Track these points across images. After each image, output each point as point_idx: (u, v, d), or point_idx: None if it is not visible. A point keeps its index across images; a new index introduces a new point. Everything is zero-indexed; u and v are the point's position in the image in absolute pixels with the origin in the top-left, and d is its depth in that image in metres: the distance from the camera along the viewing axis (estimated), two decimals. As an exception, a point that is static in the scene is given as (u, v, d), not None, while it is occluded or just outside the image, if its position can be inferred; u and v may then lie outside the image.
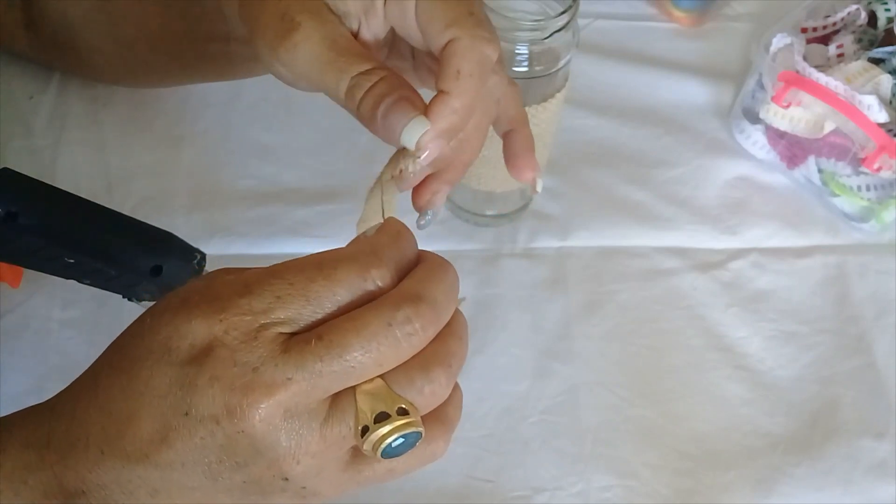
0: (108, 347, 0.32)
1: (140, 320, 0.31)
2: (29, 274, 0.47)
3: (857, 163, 0.57)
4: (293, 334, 0.29)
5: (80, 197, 0.45)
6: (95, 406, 0.30)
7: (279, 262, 0.56)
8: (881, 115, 0.55)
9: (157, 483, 0.30)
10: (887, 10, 0.62)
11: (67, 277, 0.46)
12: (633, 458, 0.51)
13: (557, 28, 0.46)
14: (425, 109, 0.35)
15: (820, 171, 0.60)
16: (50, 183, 0.44)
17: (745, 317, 0.56)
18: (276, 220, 0.58)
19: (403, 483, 0.48)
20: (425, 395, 0.30)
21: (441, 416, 0.32)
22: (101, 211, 0.45)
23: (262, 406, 0.28)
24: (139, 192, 0.58)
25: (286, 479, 0.30)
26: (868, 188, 0.58)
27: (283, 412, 0.28)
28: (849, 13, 0.62)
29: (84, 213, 0.45)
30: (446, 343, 0.31)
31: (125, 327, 0.32)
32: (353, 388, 0.29)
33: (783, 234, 0.60)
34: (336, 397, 0.29)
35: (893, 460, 0.51)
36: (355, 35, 0.38)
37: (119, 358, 0.31)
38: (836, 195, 0.60)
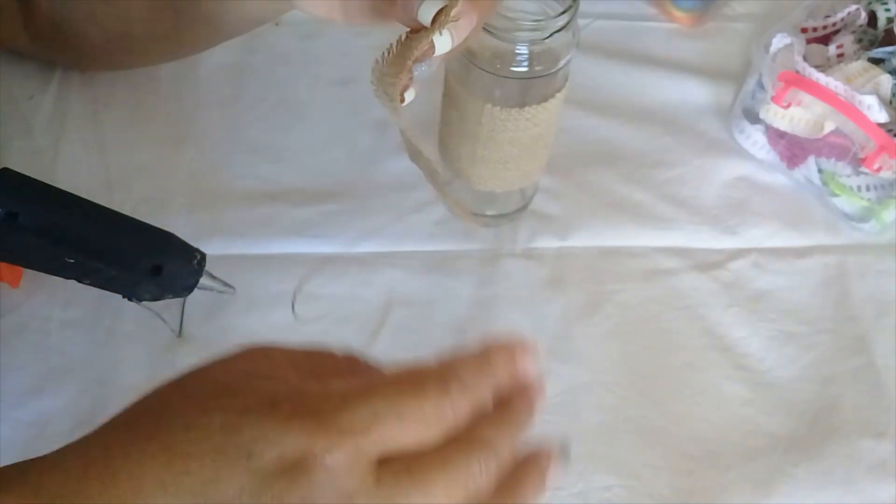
0: (127, 425, 0.29)
1: (202, 409, 0.28)
2: (29, 274, 0.47)
3: (857, 163, 0.57)
4: (381, 461, 0.28)
5: (80, 197, 0.45)
6: (115, 493, 0.28)
7: (280, 261, 0.57)
8: (881, 115, 0.55)
9: None
10: (887, 10, 0.62)
11: (67, 277, 0.46)
12: (633, 458, 0.51)
13: (557, 28, 0.46)
14: None
15: (820, 171, 0.60)
16: (50, 183, 0.44)
17: (745, 317, 0.56)
18: (276, 220, 0.58)
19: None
20: None
21: None
22: (101, 211, 0.45)
23: None
24: (139, 192, 0.58)
25: None
26: (868, 188, 0.58)
27: None
28: (849, 13, 0.62)
29: (84, 212, 0.45)
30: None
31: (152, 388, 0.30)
32: None
33: (783, 234, 0.60)
34: None
35: (893, 460, 0.51)
36: None
37: (160, 450, 0.28)
38: (836, 195, 0.60)
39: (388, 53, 0.37)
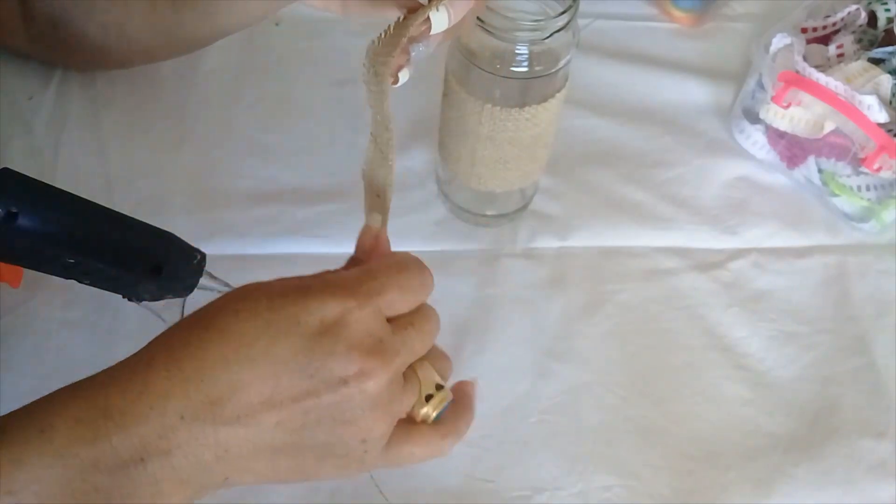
0: (183, 328, 0.35)
1: (246, 300, 0.35)
2: (29, 274, 0.47)
3: (857, 163, 0.57)
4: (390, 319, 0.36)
5: (80, 197, 0.45)
6: (180, 376, 0.33)
7: (280, 261, 0.57)
8: (881, 115, 0.55)
9: (231, 444, 0.33)
10: (887, 10, 0.62)
11: (67, 277, 0.45)
12: (633, 457, 0.51)
13: (557, 28, 0.46)
14: None
15: (820, 171, 0.60)
16: (50, 183, 0.44)
17: (746, 317, 0.56)
18: (276, 220, 0.58)
19: (403, 482, 0.48)
20: (445, 372, 0.40)
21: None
22: (101, 211, 0.45)
23: (385, 369, 0.34)
24: (139, 192, 0.58)
25: (365, 440, 0.35)
26: (868, 188, 0.58)
27: (391, 377, 0.35)
28: (849, 13, 0.62)
29: (84, 213, 0.44)
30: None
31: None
32: (412, 366, 0.37)
33: (783, 234, 0.60)
34: (404, 373, 0.37)
35: (893, 460, 0.51)
36: None
37: (217, 334, 0.34)
38: (836, 195, 0.60)
39: (385, 34, 0.37)
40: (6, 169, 0.43)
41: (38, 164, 0.58)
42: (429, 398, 0.38)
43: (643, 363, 0.54)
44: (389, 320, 0.36)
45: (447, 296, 0.55)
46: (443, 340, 0.54)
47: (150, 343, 0.35)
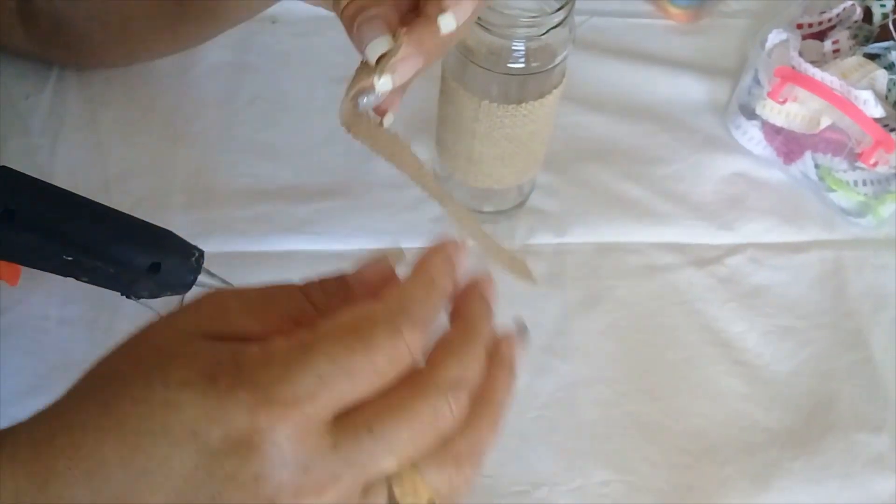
0: (84, 398, 0.29)
1: (145, 382, 0.27)
2: (27, 272, 0.47)
3: (854, 158, 0.57)
4: (337, 417, 0.27)
5: (78, 195, 0.45)
6: (81, 469, 0.27)
7: (278, 259, 0.56)
8: (877, 111, 0.55)
9: None
10: (882, 5, 0.62)
11: (65, 275, 0.46)
12: (631, 453, 0.51)
13: (554, 24, 0.46)
14: (395, 31, 0.36)
15: (816, 166, 0.60)
16: (48, 181, 0.44)
17: (743, 312, 0.56)
18: (274, 217, 0.58)
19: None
20: (452, 487, 0.29)
21: None
22: (99, 209, 0.45)
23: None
24: (137, 191, 0.58)
25: None
26: (864, 183, 0.59)
27: None
28: (844, 9, 0.63)
29: (82, 210, 0.45)
30: (481, 434, 0.29)
31: (111, 348, 0.29)
32: (393, 478, 0.28)
33: (780, 229, 0.60)
34: (369, 485, 0.27)
35: (891, 454, 0.52)
36: None
37: (115, 424, 0.27)
38: (832, 190, 0.60)
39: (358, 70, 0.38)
40: (4, 167, 0.43)
41: (36, 163, 0.58)
42: None
43: (641, 359, 0.54)
44: (341, 414, 0.27)
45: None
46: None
47: (59, 402, 0.29)
